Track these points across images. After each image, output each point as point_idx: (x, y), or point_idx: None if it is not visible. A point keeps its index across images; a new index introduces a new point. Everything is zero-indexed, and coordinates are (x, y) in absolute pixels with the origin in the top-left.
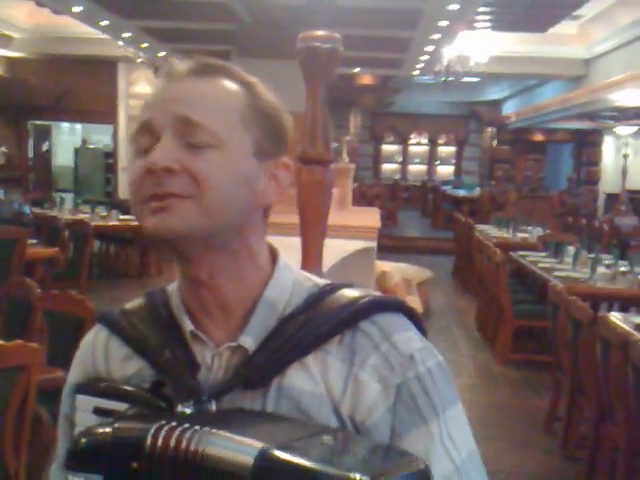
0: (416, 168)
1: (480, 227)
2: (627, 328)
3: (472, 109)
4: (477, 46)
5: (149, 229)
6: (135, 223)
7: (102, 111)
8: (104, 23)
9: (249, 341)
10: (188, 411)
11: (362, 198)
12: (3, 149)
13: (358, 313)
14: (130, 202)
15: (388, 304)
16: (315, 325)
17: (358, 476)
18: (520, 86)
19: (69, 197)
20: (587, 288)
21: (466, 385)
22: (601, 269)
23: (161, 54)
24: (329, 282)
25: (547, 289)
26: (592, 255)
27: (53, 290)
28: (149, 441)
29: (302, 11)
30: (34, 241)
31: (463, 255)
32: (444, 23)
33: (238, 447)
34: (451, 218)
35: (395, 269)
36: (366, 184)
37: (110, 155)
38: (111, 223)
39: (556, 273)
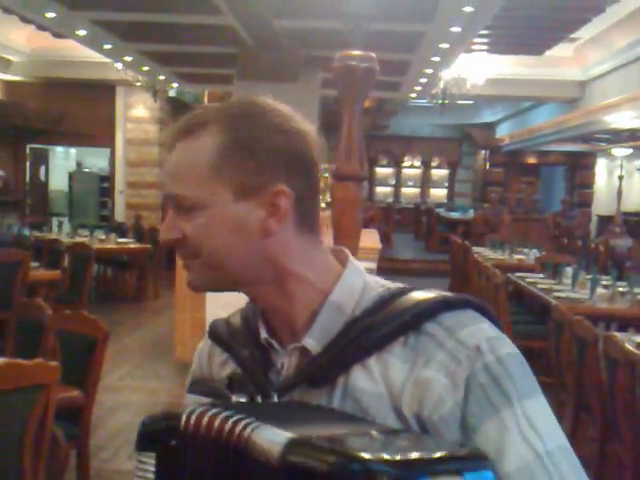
0: (409, 191)
1: (475, 249)
2: (631, 347)
3: (465, 132)
4: (473, 69)
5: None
6: (133, 246)
7: (100, 135)
8: (107, 47)
9: (311, 343)
10: (242, 400)
11: None
12: (0, 173)
13: (421, 315)
14: None
15: (453, 303)
16: (378, 328)
17: (366, 456)
18: (514, 109)
19: (65, 221)
20: (587, 308)
21: None
22: (599, 289)
23: (161, 77)
24: (401, 286)
25: (547, 310)
26: (590, 276)
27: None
28: (183, 421)
29: (304, 34)
30: (36, 264)
31: (459, 277)
32: (445, 45)
33: (269, 434)
34: (445, 240)
35: None
36: None
37: (105, 179)
38: (109, 246)
39: (555, 294)
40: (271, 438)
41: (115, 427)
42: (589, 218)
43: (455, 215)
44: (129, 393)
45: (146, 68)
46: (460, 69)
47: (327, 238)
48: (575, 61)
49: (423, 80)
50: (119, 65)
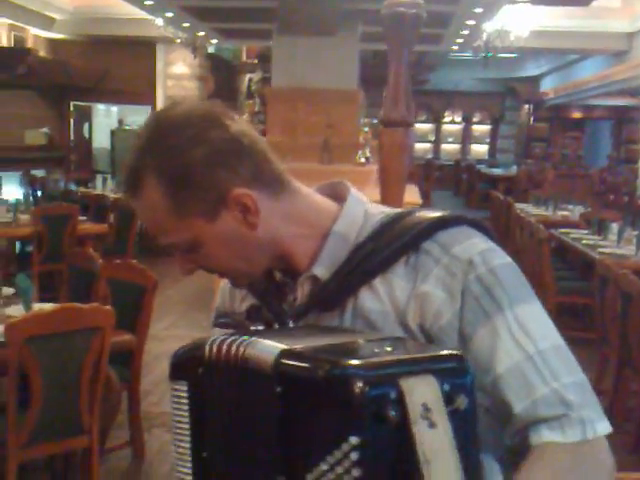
0: (449, 147)
1: (518, 205)
2: None
3: (509, 86)
4: (517, 20)
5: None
6: None
7: (140, 92)
8: (148, 2)
9: (320, 270)
10: (260, 328)
11: None
12: (45, 130)
13: (419, 235)
14: None
15: (448, 220)
16: (381, 251)
17: (353, 362)
18: (559, 62)
19: (109, 177)
20: (633, 264)
21: None
22: None
23: (201, 34)
24: (400, 210)
25: (591, 265)
26: (636, 232)
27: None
28: (207, 350)
29: None
30: (83, 218)
31: (500, 234)
32: None
33: (267, 349)
34: (485, 197)
35: None
36: None
37: None
38: None
39: (600, 250)
40: (268, 349)
41: (161, 374)
42: (636, 174)
43: (497, 171)
44: (173, 342)
45: (186, 24)
46: (503, 21)
47: (373, 190)
48: (623, 12)
49: (465, 32)
50: (159, 22)
